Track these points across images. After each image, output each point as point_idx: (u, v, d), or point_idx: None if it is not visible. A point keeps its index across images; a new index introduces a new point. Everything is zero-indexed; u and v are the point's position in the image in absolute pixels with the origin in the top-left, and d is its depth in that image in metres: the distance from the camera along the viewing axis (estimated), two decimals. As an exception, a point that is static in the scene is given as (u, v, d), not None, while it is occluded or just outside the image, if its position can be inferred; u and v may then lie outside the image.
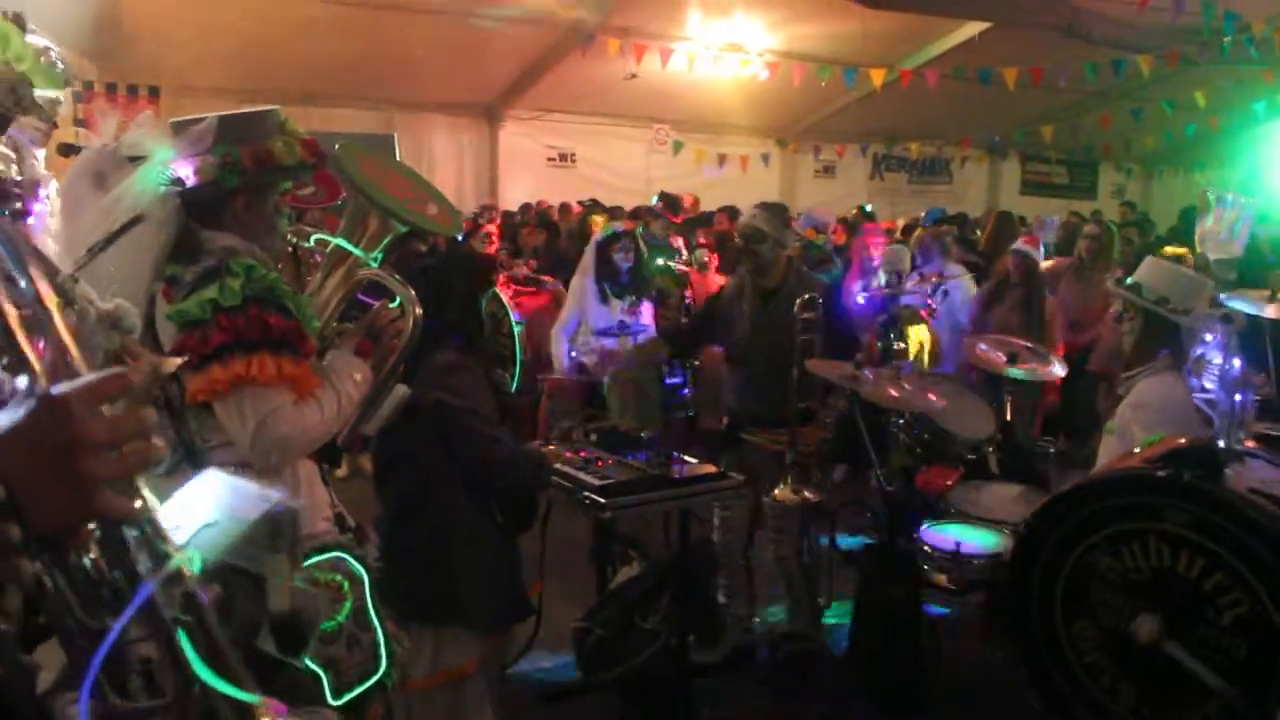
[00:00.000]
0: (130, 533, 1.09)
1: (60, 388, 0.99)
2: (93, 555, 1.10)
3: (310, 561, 2.38)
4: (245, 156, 2.37)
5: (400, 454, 3.52)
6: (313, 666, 2.32)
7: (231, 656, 1.31)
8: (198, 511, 1.45)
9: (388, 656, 2.53)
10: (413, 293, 2.70)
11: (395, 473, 3.57)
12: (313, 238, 2.69)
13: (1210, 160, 16.27)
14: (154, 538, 1.11)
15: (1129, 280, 3.73)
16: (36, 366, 1.01)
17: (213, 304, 2.26)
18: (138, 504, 1.07)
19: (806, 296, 4.47)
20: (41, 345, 1.04)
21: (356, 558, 2.51)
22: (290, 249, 2.70)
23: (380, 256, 2.74)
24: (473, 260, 4.31)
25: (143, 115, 2.49)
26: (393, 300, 2.73)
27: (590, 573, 4.74)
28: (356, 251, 2.67)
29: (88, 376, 1.02)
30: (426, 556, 3.38)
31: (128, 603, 1.09)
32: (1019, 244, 6.85)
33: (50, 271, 1.28)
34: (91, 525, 1.07)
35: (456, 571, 3.38)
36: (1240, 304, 5.16)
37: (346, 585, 2.45)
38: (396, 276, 2.72)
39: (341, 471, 7.47)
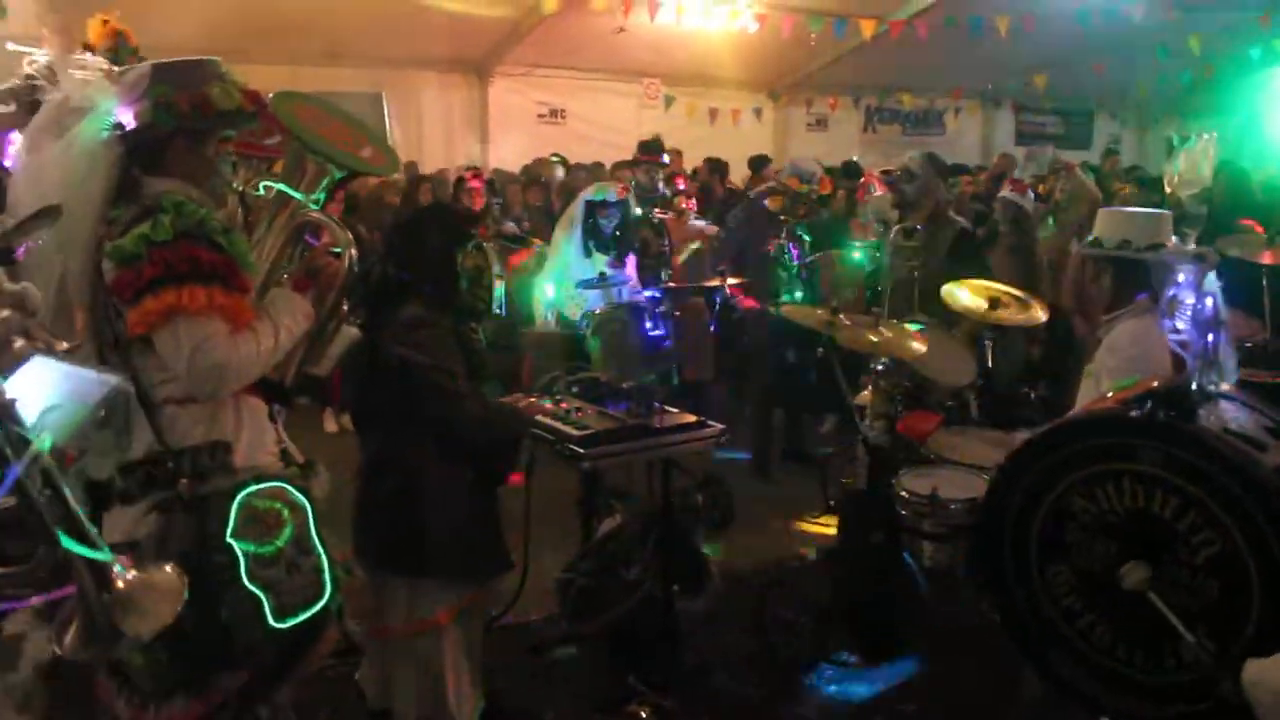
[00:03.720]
0: None
1: None
2: None
3: (249, 489, 2.49)
4: (181, 99, 2.43)
5: (369, 409, 3.53)
6: (251, 587, 2.43)
7: (86, 524, 1.64)
8: (38, 397, 1.65)
9: (333, 582, 2.61)
10: (349, 235, 2.83)
11: (368, 427, 3.59)
12: (261, 186, 2.79)
13: (1206, 109, 16.14)
14: (13, 425, 1.34)
15: (1090, 239, 3.71)
16: None
17: (145, 239, 2.35)
18: (7, 397, 1.30)
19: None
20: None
21: (299, 488, 2.60)
22: (240, 196, 2.79)
23: (321, 198, 2.82)
24: (449, 213, 4.30)
25: (93, 71, 2.54)
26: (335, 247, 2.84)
27: (576, 525, 4.76)
28: (296, 195, 2.75)
29: None
30: (395, 510, 3.39)
31: None
32: (1006, 191, 6.81)
33: None
34: None
35: (425, 525, 3.38)
36: (1235, 250, 5.15)
37: (286, 512, 2.54)
38: (334, 218, 2.86)
39: (331, 428, 7.51)
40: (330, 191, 2.86)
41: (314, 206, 2.79)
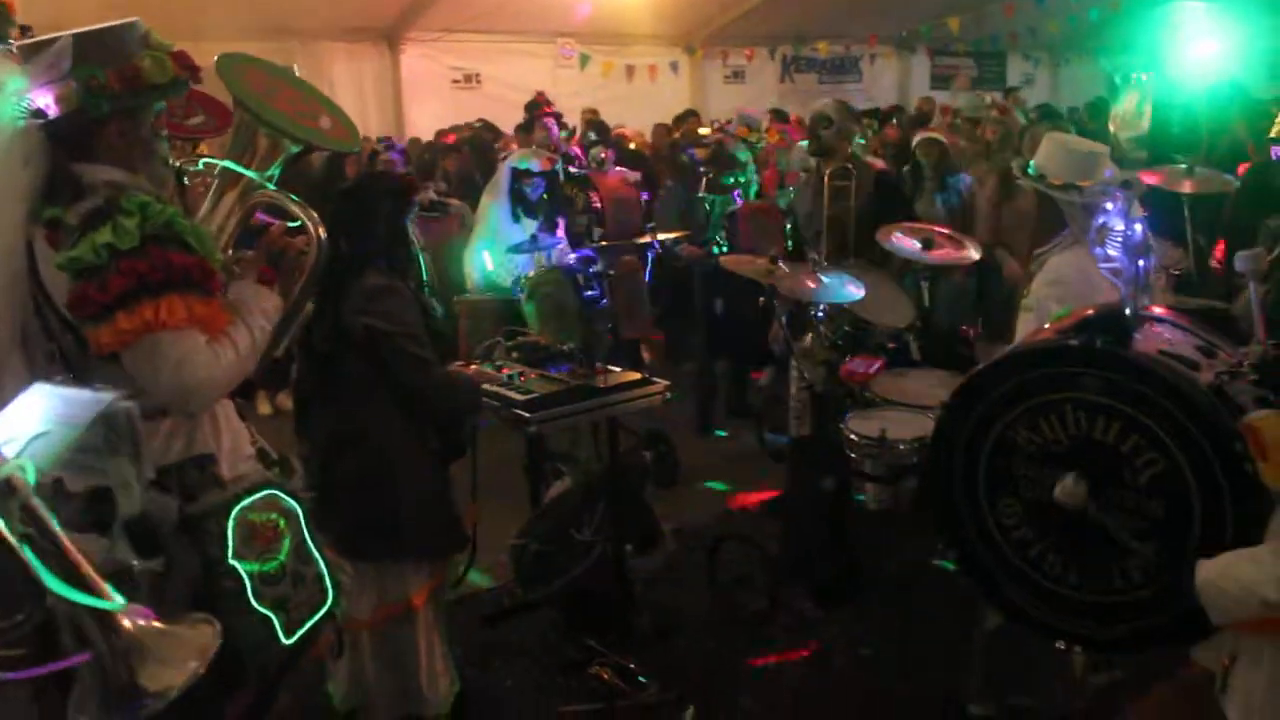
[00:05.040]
0: None
1: None
2: None
3: (243, 504, 2.32)
4: (112, 78, 2.18)
5: (328, 385, 3.40)
6: (262, 610, 2.29)
7: (85, 565, 1.36)
8: (26, 423, 1.46)
9: (334, 586, 2.49)
10: (314, 214, 2.57)
11: (324, 405, 3.44)
12: (200, 161, 2.55)
13: (1114, 45, 16.39)
14: None
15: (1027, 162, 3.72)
16: None
17: (109, 247, 2.09)
18: None
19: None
20: None
21: (287, 492, 2.44)
22: (176, 174, 2.54)
23: (276, 175, 2.57)
24: (395, 181, 4.19)
25: None
26: (291, 221, 2.60)
27: (522, 491, 4.74)
28: (248, 173, 2.51)
29: None
30: (365, 490, 3.27)
31: None
32: (927, 132, 6.87)
33: None
34: None
35: (398, 503, 3.30)
36: (1157, 180, 5.23)
37: (283, 523, 2.38)
38: (294, 197, 2.58)
39: (265, 410, 7.36)
40: (286, 167, 2.58)
41: (269, 185, 2.54)
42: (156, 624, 1.53)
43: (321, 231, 2.56)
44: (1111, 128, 6.66)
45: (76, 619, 1.38)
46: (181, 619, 1.69)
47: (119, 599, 1.47)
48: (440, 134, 11.17)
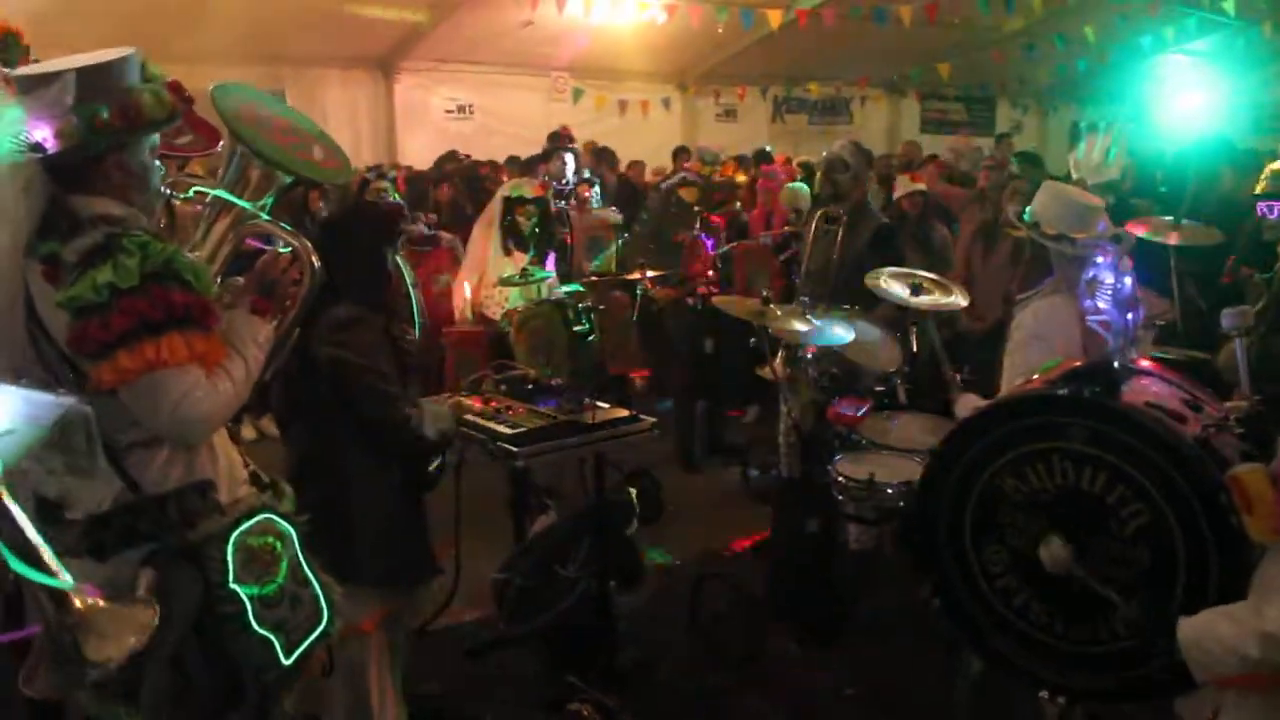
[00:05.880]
0: None
1: None
2: None
3: (241, 528, 2.34)
4: (113, 114, 2.17)
5: (296, 411, 3.43)
6: (262, 632, 2.31)
7: (44, 551, 1.61)
8: None
9: (329, 606, 2.52)
10: (308, 243, 2.59)
11: (293, 428, 3.48)
12: (191, 190, 2.53)
13: (1101, 95, 16.63)
14: None
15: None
16: None
17: (110, 286, 2.10)
18: None
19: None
20: None
21: (280, 515, 2.47)
22: (166, 201, 2.51)
23: (270, 204, 2.57)
24: (378, 212, 4.20)
25: None
26: (282, 248, 2.62)
27: (508, 524, 4.73)
28: (242, 204, 2.51)
29: None
30: (323, 515, 3.27)
31: None
32: (910, 184, 6.94)
33: None
34: None
35: (353, 531, 3.30)
36: (1144, 232, 5.29)
37: (279, 546, 2.41)
38: (286, 226, 2.60)
39: (249, 434, 7.30)
40: (279, 197, 2.60)
41: (264, 216, 2.54)
42: (101, 602, 1.74)
43: (315, 259, 2.58)
44: (1073, 174, 6.72)
45: (35, 595, 1.61)
46: (124, 599, 1.90)
47: (69, 579, 1.68)
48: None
